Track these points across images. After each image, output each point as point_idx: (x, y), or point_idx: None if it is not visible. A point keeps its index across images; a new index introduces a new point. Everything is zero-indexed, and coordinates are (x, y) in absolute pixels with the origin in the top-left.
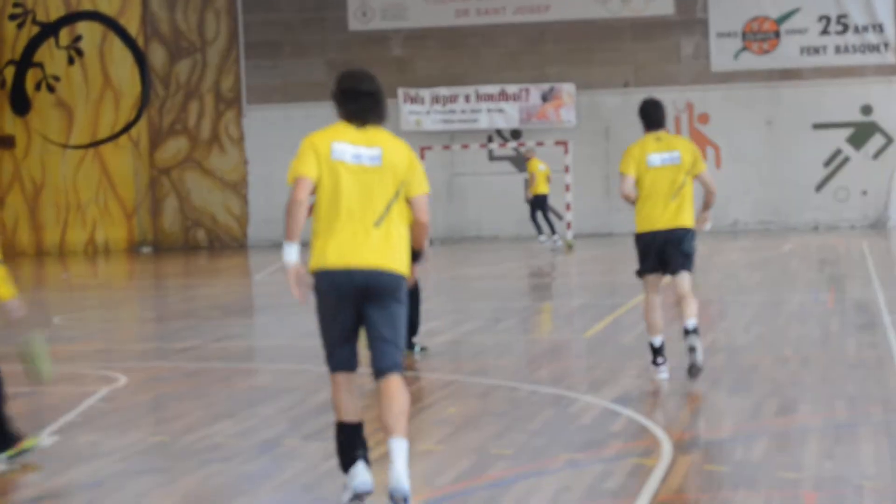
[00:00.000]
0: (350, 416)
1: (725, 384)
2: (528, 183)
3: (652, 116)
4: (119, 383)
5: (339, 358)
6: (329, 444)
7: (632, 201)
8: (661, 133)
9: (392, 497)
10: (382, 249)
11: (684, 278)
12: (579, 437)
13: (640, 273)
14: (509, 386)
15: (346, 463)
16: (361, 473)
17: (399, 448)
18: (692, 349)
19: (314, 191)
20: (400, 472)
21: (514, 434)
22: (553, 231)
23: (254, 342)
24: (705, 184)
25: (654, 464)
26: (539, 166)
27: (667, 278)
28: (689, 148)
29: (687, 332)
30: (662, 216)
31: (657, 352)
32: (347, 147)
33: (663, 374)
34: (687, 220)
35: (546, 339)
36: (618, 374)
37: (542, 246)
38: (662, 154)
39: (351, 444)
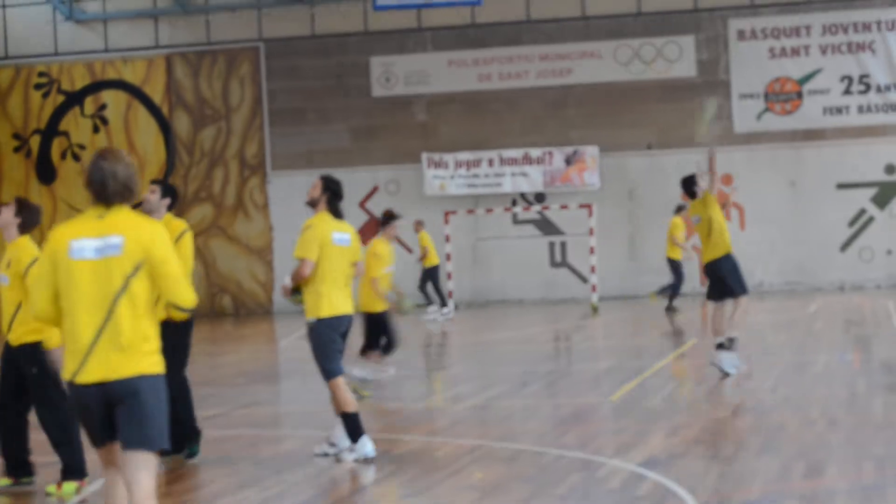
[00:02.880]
0: (353, 408)
1: (752, 446)
2: (421, 255)
3: (684, 188)
4: None
5: (339, 367)
6: None
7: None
8: (692, 202)
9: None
10: (350, 299)
11: (739, 301)
12: (607, 502)
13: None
14: (536, 450)
15: (356, 436)
16: (368, 443)
17: None
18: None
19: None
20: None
21: (541, 499)
22: (444, 303)
23: (280, 408)
24: None
25: None
26: (428, 238)
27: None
28: (697, 208)
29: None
30: (703, 253)
31: (720, 346)
32: (337, 234)
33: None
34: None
35: (572, 402)
36: (645, 437)
37: (430, 318)
38: (694, 217)
39: (357, 424)
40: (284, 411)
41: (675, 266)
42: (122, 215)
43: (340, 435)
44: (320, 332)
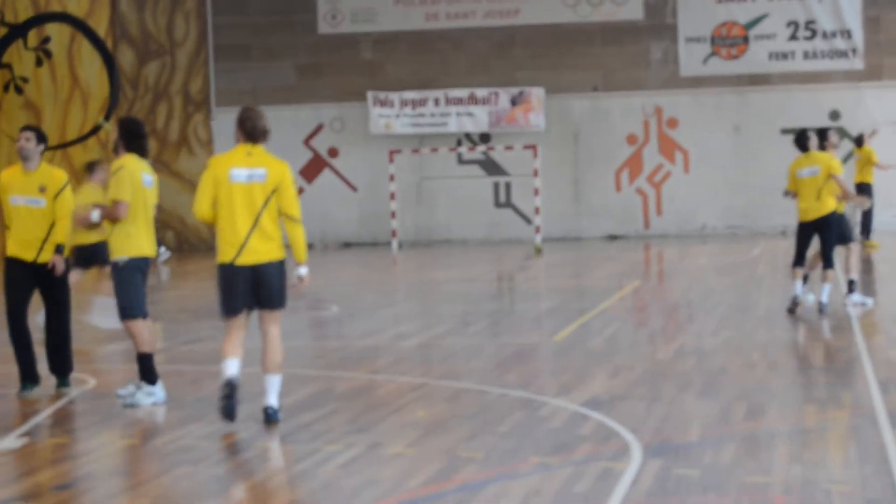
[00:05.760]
0: (150, 348)
1: (694, 388)
2: None
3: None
4: (88, 385)
5: (141, 307)
6: (302, 446)
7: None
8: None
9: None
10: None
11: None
12: (549, 441)
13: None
14: (479, 389)
15: (152, 378)
16: (162, 389)
17: None
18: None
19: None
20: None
21: (483, 437)
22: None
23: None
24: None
25: (624, 468)
26: None
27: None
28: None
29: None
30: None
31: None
32: (146, 175)
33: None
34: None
35: (515, 342)
36: (587, 377)
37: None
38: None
39: (153, 366)
40: None
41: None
42: (264, 154)
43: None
44: (129, 270)
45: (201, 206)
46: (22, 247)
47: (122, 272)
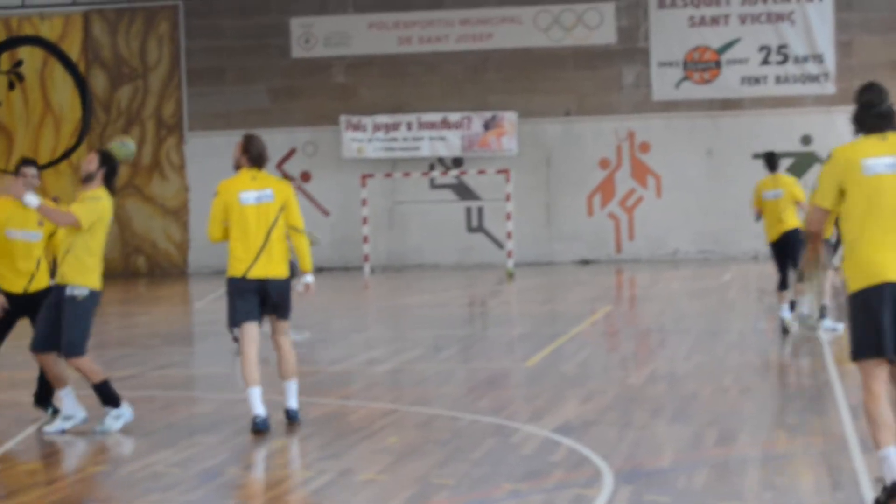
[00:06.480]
0: (103, 375)
1: (666, 413)
2: None
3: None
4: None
5: (87, 344)
6: (273, 474)
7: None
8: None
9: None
10: None
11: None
12: (521, 467)
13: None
14: (450, 415)
15: (117, 402)
16: (129, 407)
17: None
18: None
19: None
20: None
21: (455, 464)
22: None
23: (194, 371)
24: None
25: (596, 494)
26: None
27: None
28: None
29: None
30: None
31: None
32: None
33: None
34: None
35: (487, 367)
36: (559, 403)
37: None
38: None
39: (113, 389)
40: (198, 373)
41: None
42: (267, 176)
43: (71, 405)
44: (89, 304)
45: (214, 231)
46: (9, 279)
47: (80, 306)
